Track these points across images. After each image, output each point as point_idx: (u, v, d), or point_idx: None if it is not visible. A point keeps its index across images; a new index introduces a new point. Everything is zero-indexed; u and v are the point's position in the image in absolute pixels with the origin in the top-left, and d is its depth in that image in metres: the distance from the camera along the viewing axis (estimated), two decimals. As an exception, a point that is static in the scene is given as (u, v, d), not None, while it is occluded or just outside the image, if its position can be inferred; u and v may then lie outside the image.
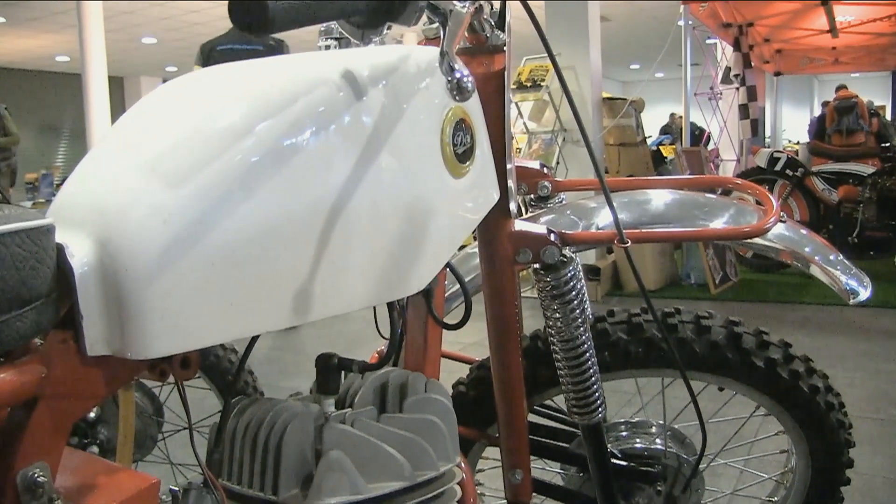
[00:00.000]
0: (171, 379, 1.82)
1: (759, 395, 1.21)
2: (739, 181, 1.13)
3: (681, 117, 10.05)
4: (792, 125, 13.98)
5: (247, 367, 1.70)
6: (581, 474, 1.30)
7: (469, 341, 3.37)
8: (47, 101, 13.31)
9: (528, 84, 4.79)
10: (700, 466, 1.22)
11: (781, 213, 1.07)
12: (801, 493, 1.32)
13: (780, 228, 1.12)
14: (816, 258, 1.13)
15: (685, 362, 1.14)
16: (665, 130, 10.44)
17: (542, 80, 4.74)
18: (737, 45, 6.53)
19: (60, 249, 0.56)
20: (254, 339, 0.77)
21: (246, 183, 0.61)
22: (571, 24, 4.77)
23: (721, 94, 7.01)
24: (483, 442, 1.27)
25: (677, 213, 1.08)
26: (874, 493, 1.97)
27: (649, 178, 1.20)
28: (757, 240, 1.08)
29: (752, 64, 6.76)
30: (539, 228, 1.01)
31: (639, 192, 1.13)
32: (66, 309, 0.57)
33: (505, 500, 1.21)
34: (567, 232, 1.02)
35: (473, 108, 0.84)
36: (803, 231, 1.17)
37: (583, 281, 1.07)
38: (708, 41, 7.80)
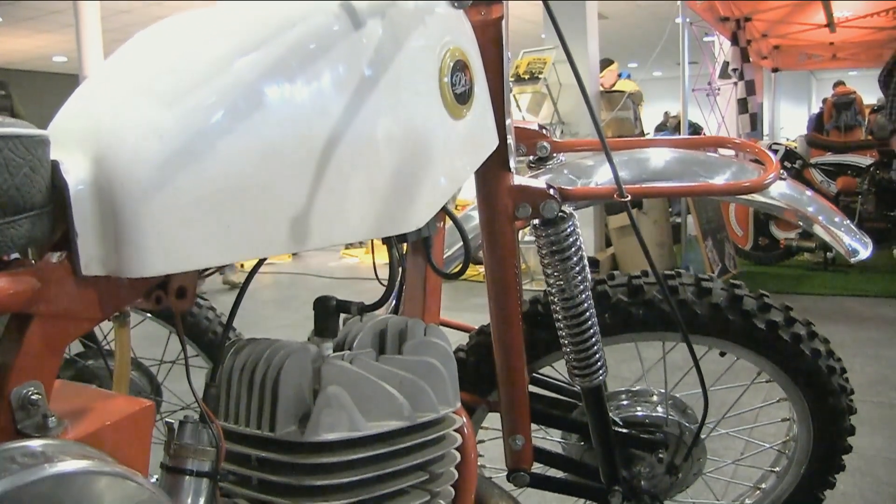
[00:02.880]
0: (169, 364, 1.79)
1: (761, 359, 1.20)
2: (738, 140, 1.12)
3: (675, 116, 10.06)
4: (790, 123, 13.97)
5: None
6: (582, 443, 1.29)
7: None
8: (45, 103, 13.24)
9: (526, 77, 4.79)
10: (701, 435, 1.21)
11: (781, 172, 1.07)
12: (802, 461, 1.31)
13: (783, 187, 1.11)
14: (820, 218, 1.13)
15: (686, 325, 1.13)
16: (660, 128, 10.48)
17: (540, 73, 4.74)
18: (734, 40, 6.53)
19: (55, 166, 0.55)
20: (238, 301, 0.76)
21: (243, 106, 0.60)
22: (569, 18, 4.78)
23: (719, 89, 7.01)
24: (484, 408, 1.26)
25: (677, 170, 1.08)
26: (874, 472, 1.98)
27: (648, 138, 1.19)
28: (758, 197, 1.08)
29: (750, 59, 6.76)
30: (538, 183, 1.00)
31: (638, 150, 1.13)
32: (62, 232, 0.56)
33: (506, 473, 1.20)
34: (566, 188, 1.02)
35: (471, 53, 0.84)
36: (808, 192, 1.16)
37: (582, 239, 1.06)
38: (706, 38, 7.80)
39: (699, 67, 7.34)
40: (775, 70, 9.04)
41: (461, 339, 1.29)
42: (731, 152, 2.25)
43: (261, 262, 0.75)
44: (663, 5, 8.05)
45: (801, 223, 1.12)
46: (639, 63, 13.06)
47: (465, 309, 4.02)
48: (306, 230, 0.63)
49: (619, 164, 1.11)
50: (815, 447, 1.27)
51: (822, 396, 1.21)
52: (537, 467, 1.23)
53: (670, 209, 5.44)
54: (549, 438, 1.35)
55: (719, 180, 1.07)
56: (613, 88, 5.40)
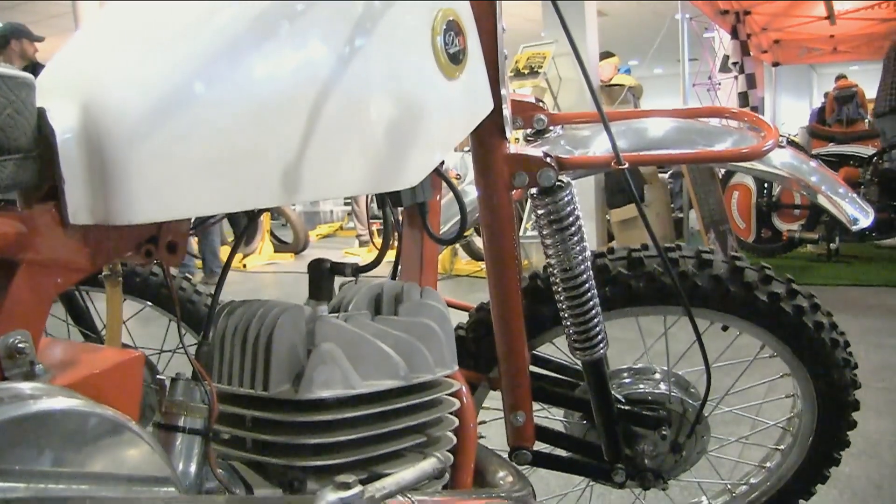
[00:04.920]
0: (169, 353, 1.78)
1: (763, 332, 1.19)
2: (736, 109, 1.11)
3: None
4: (791, 118, 13.91)
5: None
6: (584, 422, 1.27)
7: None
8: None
9: (526, 71, 4.78)
10: (705, 412, 1.20)
11: (781, 139, 1.05)
12: (807, 438, 1.30)
13: (786, 157, 1.10)
14: (823, 187, 1.12)
15: (687, 298, 1.12)
16: (663, 125, 10.46)
17: (540, 67, 4.73)
18: (734, 33, 6.51)
19: (42, 113, 0.54)
20: (225, 272, 0.75)
21: (230, 59, 0.60)
22: (568, 13, 4.78)
23: (720, 84, 7.00)
24: (485, 385, 1.25)
25: (675, 139, 1.06)
26: (879, 455, 1.97)
27: (646, 109, 1.19)
28: (760, 165, 1.07)
29: (751, 53, 6.75)
30: (535, 151, 0.99)
31: (636, 120, 1.12)
32: (50, 184, 0.56)
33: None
34: (563, 156, 1.01)
35: (465, 15, 0.83)
36: (812, 162, 1.15)
37: (580, 209, 1.05)
38: (706, 35, 7.79)
39: (699, 64, 7.33)
40: (776, 64, 9.02)
41: (461, 319, 1.28)
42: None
43: (249, 226, 0.74)
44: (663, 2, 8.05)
45: (804, 192, 1.11)
46: (639, 60, 13.06)
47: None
48: (297, 182, 0.63)
49: (616, 133, 1.10)
50: (820, 423, 1.26)
51: (826, 370, 1.20)
52: (540, 447, 1.22)
53: (672, 204, 5.43)
54: (551, 418, 1.34)
55: (718, 148, 1.06)
56: (612, 82, 5.39)
